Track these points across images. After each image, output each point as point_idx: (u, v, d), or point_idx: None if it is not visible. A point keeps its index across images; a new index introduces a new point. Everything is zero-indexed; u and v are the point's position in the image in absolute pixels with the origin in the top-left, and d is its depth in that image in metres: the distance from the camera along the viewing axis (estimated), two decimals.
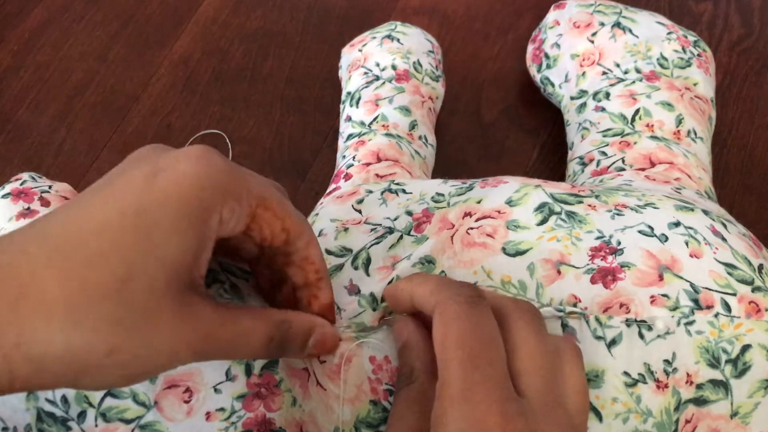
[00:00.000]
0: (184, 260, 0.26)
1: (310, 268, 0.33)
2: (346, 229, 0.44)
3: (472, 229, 0.41)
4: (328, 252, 0.43)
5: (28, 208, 0.51)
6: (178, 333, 0.26)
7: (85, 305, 0.24)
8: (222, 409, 0.40)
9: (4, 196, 0.52)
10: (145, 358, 0.25)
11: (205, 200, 0.27)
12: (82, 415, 0.39)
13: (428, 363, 0.33)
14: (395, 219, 0.44)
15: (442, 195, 0.45)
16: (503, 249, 0.40)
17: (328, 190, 0.56)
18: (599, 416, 0.35)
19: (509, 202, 0.42)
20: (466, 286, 0.32)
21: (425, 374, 0.33)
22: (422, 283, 0.33)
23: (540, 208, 0.42)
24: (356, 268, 0.42)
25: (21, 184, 0.52)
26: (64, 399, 0.39)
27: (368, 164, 0.55)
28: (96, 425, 0.39)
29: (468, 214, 0.42)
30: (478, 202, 0.43)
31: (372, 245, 0.43)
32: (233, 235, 0.30)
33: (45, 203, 0.52)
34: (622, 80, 0.60)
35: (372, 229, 0.44)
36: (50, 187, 0.53)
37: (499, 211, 0.42)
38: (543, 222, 0.41)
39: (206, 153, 0.28)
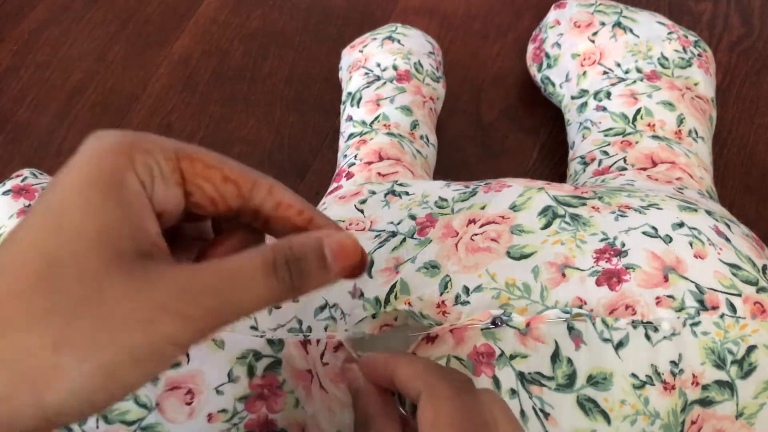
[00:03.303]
0: (114, 231, 0.23)
1: (290, 212, 0.28)
2: None
3: (476, 235, 0.41)
4: None
5: (29, 205, 0.50)
6: (139, 302, 0.22)
7: (12, 307, 0.22)
8: (224, 411, 0.40)
9: (4, 193, 0.51)
10: (106, 341, 0.22)
11: (108, 164, 0.24)
12: None
13: (381, 407, 0.33)
14: (398, 223, 0.44)
15: (446, 200, 0.45)
16: (508, 253, 0.40)
17: (329, 189, 0.56)
18: (607, 419, 0.35)
19: (513, 207, 0.42)
20: (457, 372, 0.31)
21: (380, 417, 0.32)
22: (408, 365, 0.31)
23: (544, 211, 0.42)
24: None
25: (22, 181, 0.52)
26: None
27: (370, 163, 0.55)
28: (97, 427, 0.39)
29: (472, 221, 0.42)
30: (482, 208, 0.43)
31: (375, 250, 0.42)
32: (176, 202, 0.27)
33: None
34: (623, 80, 0.60)
35: (376, 236, 0.44)
36: None
37: (503, 217, 0.42)
38: (547, 225, 0.41)
39: (97, 134, 0.25)
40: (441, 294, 0.38)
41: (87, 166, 0.24)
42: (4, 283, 0.22)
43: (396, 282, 0.39)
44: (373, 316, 0.39)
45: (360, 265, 0.27)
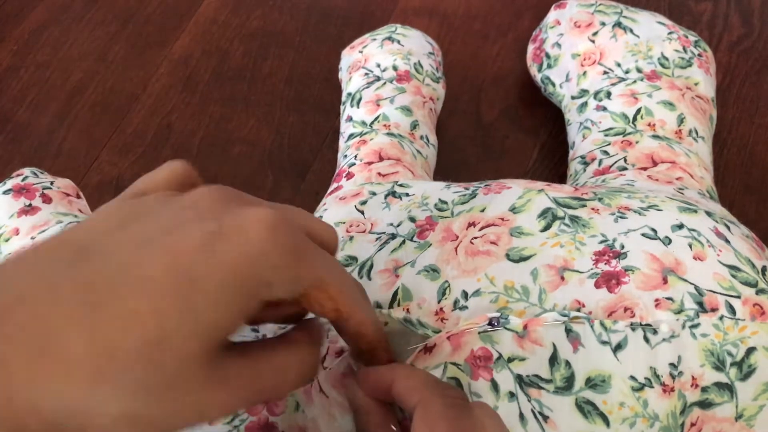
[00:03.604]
0: (221, 328, 0.25)
1: (361, 341, 0.32)
2: (351, 238, 0.44)
3: (476, 238, 0.41)
4: None
5: (30, 205, 0.50)
6: (206, 398, 0.25)
7: (110, 369, 0.22)
8: None
9: (5, 192, 0.51)
10: (163, 422, 0.24)
11: (260, 278, 0.25)
12: None
13: (381, 424, 0.33)
14: (398, 225, 0.44)
15: (446, 203, 0.45)
16: (507, 255, 0.39)
17: (329, 189, 0.56)
18: (606, 421, 0.35)
19: (513, 209, 0.42)
20: (453, 389, 0.32)
21: None
22: (407, 377, 0.32)
23: (543, 214, 0.41)
24: (361, 277, 0.41)
25: (22, 180, 0.52)
26: None
27: (370, 163, 0.55)
28: None
29: (472, 224, 0.42)
30: (482, 211, 0.43)
31: (376, 252, 0.42)
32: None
33: (47, 200, 0.51)
34: (623, 80, 0.60)
35: (377, 238, 0.44)
36: (52, 183, 0.53)
37: (503, 219, 0.42)
38: (547, 228, 0.41)
39: (277, 226, 0.25)
40: (439, 301, 0.38)
41: (246, 269, 0.25)
42: (110, 341, 0.22)
43: (398, 288, 0.39)
44: None
45: None
